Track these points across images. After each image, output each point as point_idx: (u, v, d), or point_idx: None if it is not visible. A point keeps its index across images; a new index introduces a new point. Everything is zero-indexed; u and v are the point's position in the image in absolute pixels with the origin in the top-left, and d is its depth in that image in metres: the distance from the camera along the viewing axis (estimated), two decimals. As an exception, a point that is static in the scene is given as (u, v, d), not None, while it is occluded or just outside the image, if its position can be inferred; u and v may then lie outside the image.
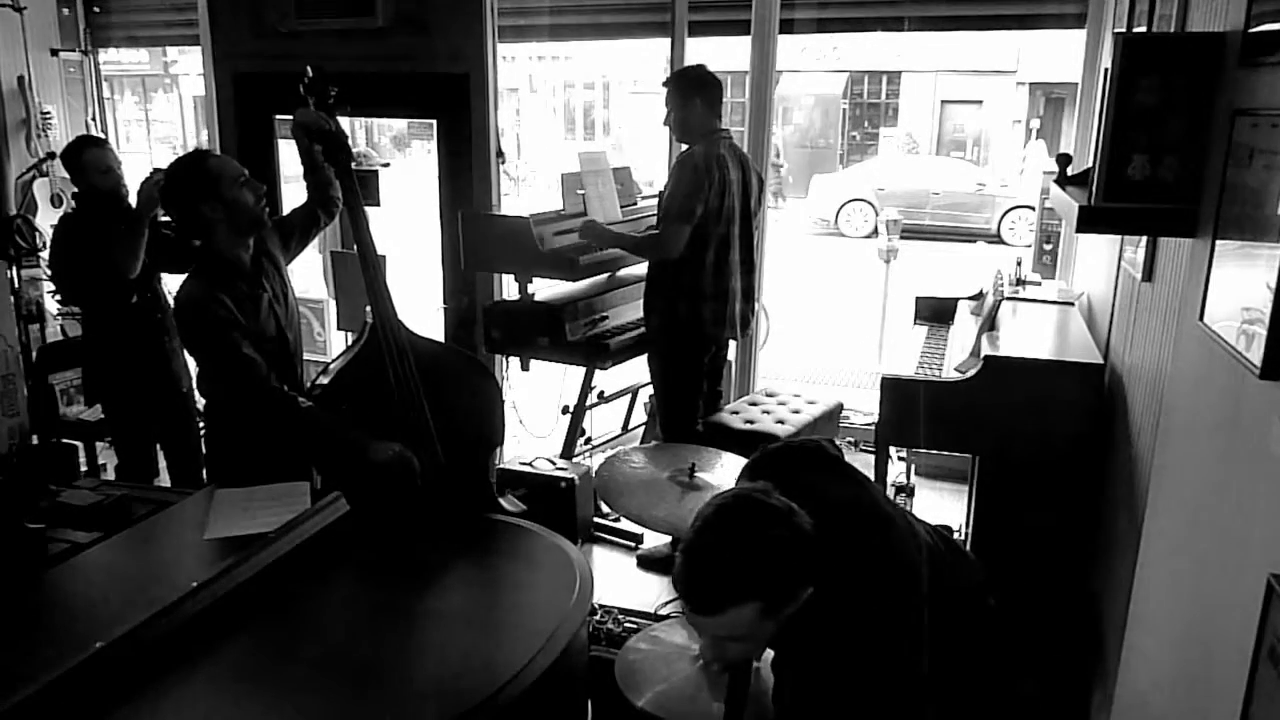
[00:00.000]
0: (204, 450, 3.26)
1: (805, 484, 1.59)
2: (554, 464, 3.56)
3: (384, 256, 2.78)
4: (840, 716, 1.57)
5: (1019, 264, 3.97)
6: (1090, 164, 2.02)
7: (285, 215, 2.97)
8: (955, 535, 3.17)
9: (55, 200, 5.30)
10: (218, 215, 2.48)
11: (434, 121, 4.42)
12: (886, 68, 18.03)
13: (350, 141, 2.76)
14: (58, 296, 4.44)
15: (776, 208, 14.86)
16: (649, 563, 3.51)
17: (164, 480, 3.83)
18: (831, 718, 1.58)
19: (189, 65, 15.47)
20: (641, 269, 3.75)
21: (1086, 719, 2.68)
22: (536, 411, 4.55)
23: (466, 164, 4.26)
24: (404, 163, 15.18)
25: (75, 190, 3.80)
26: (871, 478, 2.20)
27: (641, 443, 4.18)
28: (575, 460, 3.86)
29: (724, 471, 2.64)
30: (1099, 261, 3.42)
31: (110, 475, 3.98)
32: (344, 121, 2.74)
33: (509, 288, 4.26)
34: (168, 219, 2.99)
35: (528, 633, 1.81)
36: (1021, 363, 2.87)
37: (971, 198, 13.22)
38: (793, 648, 1.63)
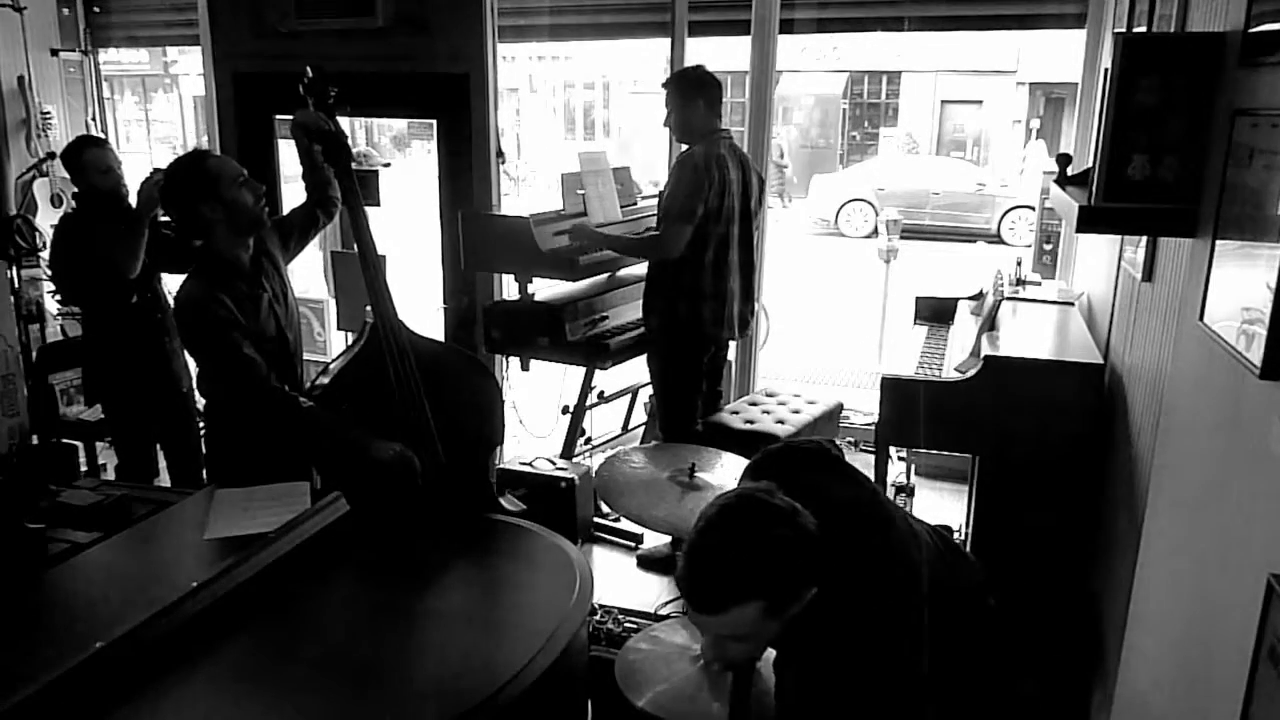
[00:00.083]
0: (204, 450, 3.26)
1: (807, 484, 1.59)
2: (554, 464, 3.56)
3: (384, 256, 2.78)
4: (841, 716, 1.57)
5: (1019, 264, 3.97)
6: (1090, 164, 2.02)
7: (284, 215, 2.97)
8: (955, 535, 3.17)
9: (55, 200, 5.30)
10: (217, 215, 2.48)
11: (434, 121, 4.42)
12: (886, 68, 18.04)
13: (350, 141, 2.77)
14: (58, 296, 4.44)
15: (785, 207, 14.90)
16: (649, 563, 3.51)
17: (164, 480, 3.83)
18: (832, 717, 1.58)
19: (189, 65, 15.49)
20: (641, 269, 3.75)
21: (1086, 719, 2.68)
22: (536, 411, 4.56)
23: (466, 164, 4.26)
24: (404, 163, 15.18)
25: (75, 190, 3.80)
26: (871, 478, 2.20)
27: (641, 443, 4.18)
28: (575, 460, 3.86)
29: (724, 472, 2.65)
30: (1099, 261, 3.42)
31: (110, 475, 3.98)
32: (344, 121, 2.74)
33: (509, 288, 4.26)
34: (168, 219, 2.99)
35: (528, 633, 1.81)
36: (1021, 363, 2.87)
37: (971, 198, 13.22)
38: (794, 647, 1.63)
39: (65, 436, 4.17)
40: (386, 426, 2.49)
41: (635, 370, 4.01)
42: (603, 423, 4.52)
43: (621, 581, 3.37)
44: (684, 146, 3.49)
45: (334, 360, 2.76)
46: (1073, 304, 3.59)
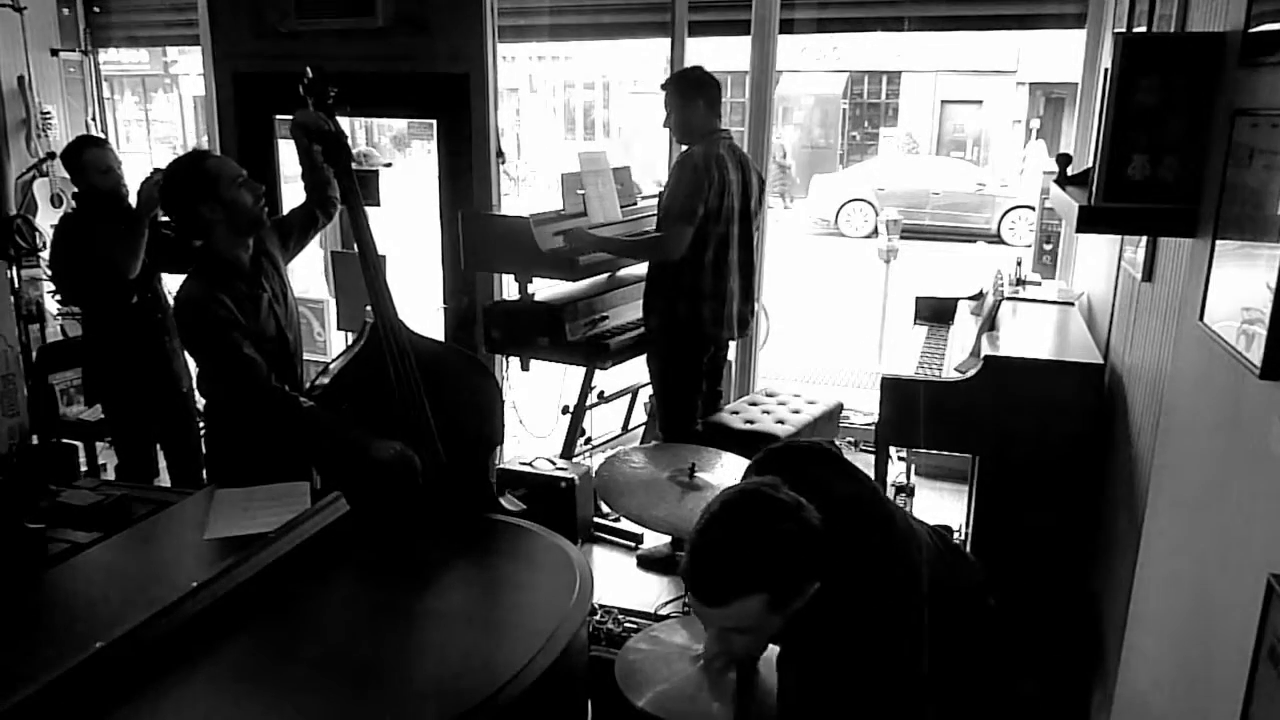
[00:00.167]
0: (204, 450, 3.26)
1: (810, 479, 1.59)
2: (554, 464, 3.57)
3: (384, 256, 2.78)
4: (841, 715, 1.57)
5: (1019, 264, 3.97)
6: (1090, 164, 2.02)
7: (284, 215, 2.97)
8: (955, 535, 3.17)
9: (55, 200, 5.30)
10: (216, 215, 2.48)
11: (434, 121, 4.42)
12: (886, 68, 18.04)
13: (350, 141, 2.77)
14: (58, 296, 4.44)
15: (787, 208, 14.91)
16: (649, 563, 3.51)
17: (164, 480, 3.83)
18: (832, 717, 1.58)
19: (189, 65, 15.49)
20: (641, 269, 3.75)
21: (1086, 719, 2.68)
22: (536, 411, 4.56)
23: (466, 164, 4.26)
24: (404, 163, 15.19)
25: (75, 190, 3.80)
26: (872, 478, 2.20)
27: (641, 443, 4.18)
28: (575, 460, 3.86)
29: (724, 471, 2.64)
30: (1099, 261, 3.42)
31: (110, 475, 3.98)
32: (344, 121, 2.74)
33: (509, 288, 4.26)
34: (167, 219, 2.99)
35: (528, 633, 1.81)
36: (1021, 363, 2.87)
37: (971, 198, 13.22)
38: (796, 645, 1.63)
39: (65, 436, 4.17)
40: (386, 426, 2.49)
41: (635, 370, 4.01)
42: (603, 423, 4.52)
43: (621, 581, 3.37)
44: (684, 147, 3.50)
45: (334, 360, 2.76)
46: (1073, 304, 3.59)
